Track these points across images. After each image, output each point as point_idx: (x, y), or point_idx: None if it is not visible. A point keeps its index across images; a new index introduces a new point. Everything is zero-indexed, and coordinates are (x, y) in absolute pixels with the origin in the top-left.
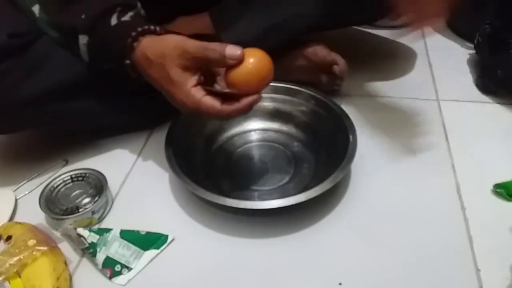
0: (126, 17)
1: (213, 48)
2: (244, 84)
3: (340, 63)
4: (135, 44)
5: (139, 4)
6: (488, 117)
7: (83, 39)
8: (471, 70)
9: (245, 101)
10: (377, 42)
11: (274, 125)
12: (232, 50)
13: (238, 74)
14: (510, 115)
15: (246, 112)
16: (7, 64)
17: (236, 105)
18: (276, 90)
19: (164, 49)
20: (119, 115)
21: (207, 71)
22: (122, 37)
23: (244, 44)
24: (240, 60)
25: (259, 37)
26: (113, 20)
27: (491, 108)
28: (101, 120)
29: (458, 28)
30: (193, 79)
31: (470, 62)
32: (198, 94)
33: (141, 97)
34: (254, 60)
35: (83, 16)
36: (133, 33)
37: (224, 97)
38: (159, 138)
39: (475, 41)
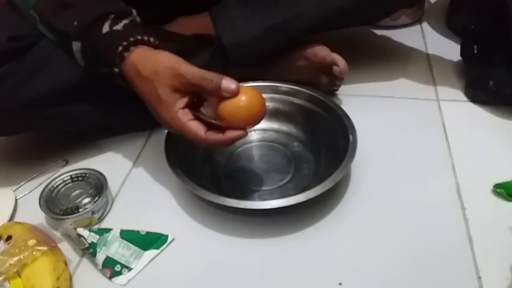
0: (119, 26)
1: (210, 78)
2: (233, 119)
3: (340, 64)
4: (125, 54)
5: (134, 12)
6: (488, 117)
7: (76, 46)
8: None
9: (230, 134)
10: (377, 42)
11: (274, 125)
12: (228, 84)
13: (228, 108)
14: (510, 115)
15: (229, 145)
16: (7, 67)
17: (219, 136)
18: (276, 90)
19: (157, 66)
20: (119, 116)
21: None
22: (112, 46)
23: (244, 44)
24: (234, 94)
25: (259, 37)
26: (105, 28)
27: (491, 108)
28: (101, 121)
29: (458, 28)
30: (182, 102)
31: None
32: (184, 118)
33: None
34: (246, 98)
35: (75, 23)
36: (125, 43)
37: (211, 126)
38: (159, 138)
39: (460, 48)
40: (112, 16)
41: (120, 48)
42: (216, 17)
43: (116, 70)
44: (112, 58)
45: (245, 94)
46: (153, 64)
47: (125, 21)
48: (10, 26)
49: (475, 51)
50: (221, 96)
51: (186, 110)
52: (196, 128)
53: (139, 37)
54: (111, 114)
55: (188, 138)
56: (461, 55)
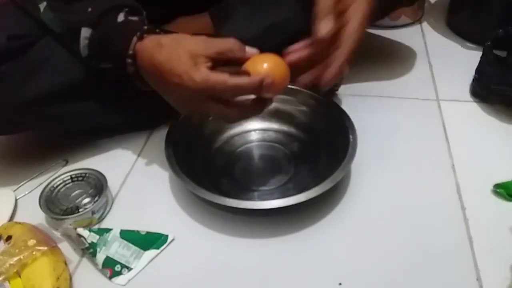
0: (134, 18)
1: (236, 42)
2: None
3: None
4: (145, 35)
5: (144, 13)
6: (488, 117)
7: (86, 32)
8: (471, 70)
9: (256, 77)
10: (377, 42)
11: (274, 125)
12: (250, 48)
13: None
14: (510, 115)
15: (255, 90)
16: (7, 66)
17: (245, 78)
18: None
19: (182, 35)
20: (119, 115)
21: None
22: (130, 31)
23: (243, 43)
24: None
25: (259, 36)
26: (120, 18)
27: (491, 108)
28: (101, 120)
29: (458, 28)
30: (207, 63)
31: (470, 62)
32: (208, 71)
33: (141, 97)
34: (269, 64)
35: (89, 10)
36: (145, 27)
37: None
38: (159, 138)
39: (486, 44)
40: (126, 9)
41: (139, 33)
42: (216, 17)
43: (131, 52)
44: (127, 43)
45: (268, 61)
46: (177, 35)
47: (136, 18)
48: (10, 25)
49: (505, 56)
50: (245, 56)
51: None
52: (221, 75)
53: (156, 28)
54: (111, 114)
55: (211, 91)
56: (485, 49)
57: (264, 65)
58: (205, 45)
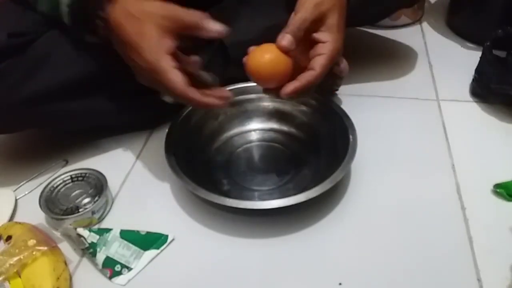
0: None
1: (200, 13)
2: (258, 75)
3: (340, 63)
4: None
5: None
6: (488, 117)
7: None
8: (471, 70)
9: (205, 99)
10: (377, 42)
11: (274, 125)
12: (214, 24)
13: (253, 64)
14: (510, 115)
15: (201, 107)
16: (7, 63)
17: (196, 95)
18: None
19: (147, 6)
20: (119, 115)
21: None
22: None
23: (244, 43)
24: (221, 34)
25: (259, 37)
26: None
27: (491, 108)
28: (101, 120)
29: (458, 28)
30: (170, 46)
31: (470, 62)
32: (168, 63)
33: (141, 97)
34: (271, 56)
35: None
36: None
37: (195, 83)
38: (159, 138)
39: (485, 44)
40: None
41: None
42: (216, 17)
43: (100, 12)
44: (101, 4)
45: (270, 52)
46: (144, 5)
47: None
48: (10, 23)
49: (505, 56)
50: (208, 35)
51: (173, 58)
52: (176, 77)
53: None
54: (112, 113)
55: (162, 86)
56: (484, 49)
57: (265, 57)
58: (170, 19)
